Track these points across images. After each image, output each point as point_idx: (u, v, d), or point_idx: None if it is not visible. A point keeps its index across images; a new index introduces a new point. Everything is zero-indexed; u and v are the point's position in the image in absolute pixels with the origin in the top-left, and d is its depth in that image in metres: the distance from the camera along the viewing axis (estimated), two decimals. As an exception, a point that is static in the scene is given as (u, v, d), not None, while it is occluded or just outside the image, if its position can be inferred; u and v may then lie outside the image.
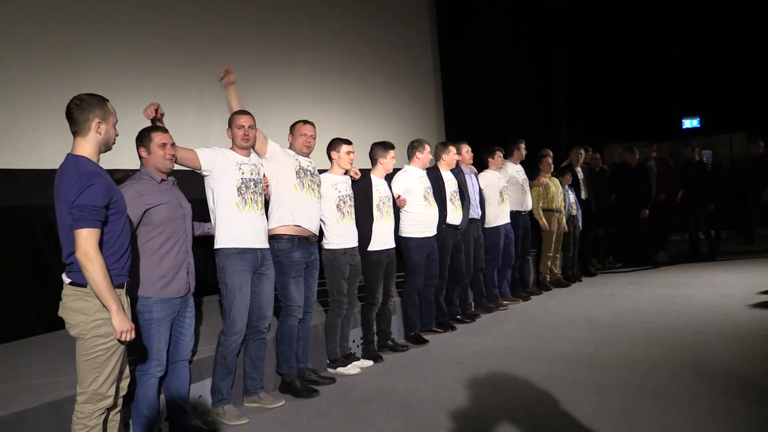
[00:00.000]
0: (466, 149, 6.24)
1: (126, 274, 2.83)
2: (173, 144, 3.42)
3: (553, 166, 7.68)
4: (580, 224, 7.99)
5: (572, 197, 7.83)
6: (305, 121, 4.30)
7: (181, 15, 6.57)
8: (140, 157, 3.37)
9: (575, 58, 12.95)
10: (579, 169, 8.29)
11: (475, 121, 10.62)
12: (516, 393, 3.94)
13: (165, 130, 3.42)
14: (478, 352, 4.94)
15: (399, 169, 5.47)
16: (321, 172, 4.50)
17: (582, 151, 8.37)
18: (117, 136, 2.81)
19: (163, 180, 3.36)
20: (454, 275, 5.89)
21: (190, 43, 6.62)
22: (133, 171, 3.40)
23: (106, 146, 2.77)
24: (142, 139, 3.36)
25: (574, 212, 7.85)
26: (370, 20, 9.17)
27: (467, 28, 10.84)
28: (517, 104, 11.58)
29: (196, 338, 3.69)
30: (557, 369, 4.32)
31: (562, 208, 7.50)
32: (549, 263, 7.56)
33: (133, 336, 2.69)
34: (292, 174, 4.11)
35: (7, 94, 5.08)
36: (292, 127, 4.32)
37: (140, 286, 3.20)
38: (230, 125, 3.85)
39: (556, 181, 7.56)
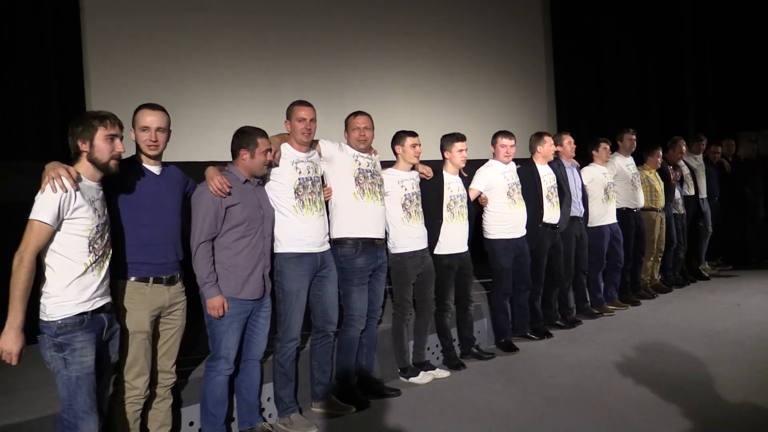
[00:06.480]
0: (567, 140, 5.70)
1: (141, 268, 2.89)
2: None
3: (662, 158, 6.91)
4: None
5: (678, 194, 7.08)
6: (357, 113, 3.88)
7: (281, 4, 6.53)
8: (237, 156, 3.26)
9: (705, 38, 11.65)
10: (682, 162, 7.39)
11: (590, 109, 9.83)
12: (610, 421, 3.50)
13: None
14: (573, 365, 4.51)
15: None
16: (386, 165, 4.17)
17: (683, 142, 7.40)
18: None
19: (247, 180, 3.28)
20: (552, 278, 5.45)
21: (290, 33, 6.54)
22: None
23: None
24: (248, 141, 3.23)
25: (681, 210, 7.09)
26: (479, 5, 8.69)
27: (583, 6, 10.04)
28: (638, 91, 10.62)
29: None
30: (662, 392, 3.82)
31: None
32: (650, 267, 6.83)
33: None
34: (351, 181, 3.77)
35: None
36: (345, 121, 3.93)
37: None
38: (289, 117, 3.57)
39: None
